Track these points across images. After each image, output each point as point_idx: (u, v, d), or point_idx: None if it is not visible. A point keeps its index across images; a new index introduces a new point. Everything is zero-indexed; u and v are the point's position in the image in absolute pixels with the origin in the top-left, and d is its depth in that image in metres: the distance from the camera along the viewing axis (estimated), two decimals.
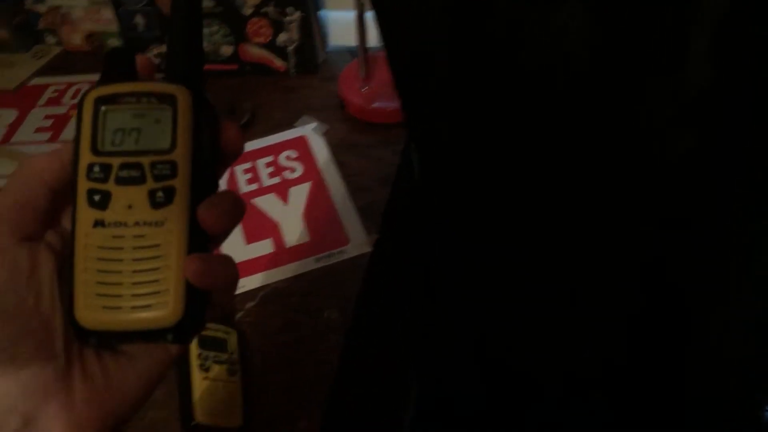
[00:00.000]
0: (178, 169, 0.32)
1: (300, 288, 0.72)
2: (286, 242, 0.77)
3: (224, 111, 0.96)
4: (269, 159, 0.88)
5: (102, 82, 0.33)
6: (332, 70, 1.02)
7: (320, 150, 0.88)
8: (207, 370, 0.61)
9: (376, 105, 0.90)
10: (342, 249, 0.75)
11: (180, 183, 0.32)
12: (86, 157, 0.32)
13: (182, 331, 0.32)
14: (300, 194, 0.82)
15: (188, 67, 0.34)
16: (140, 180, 0.31)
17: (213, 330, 0.65)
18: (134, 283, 0.31)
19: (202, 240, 0.33)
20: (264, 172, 0.86)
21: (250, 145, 0.91)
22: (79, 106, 0.32)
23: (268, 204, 0.82)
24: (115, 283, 0.32)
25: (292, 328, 0.69)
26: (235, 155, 0.36)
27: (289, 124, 0.93)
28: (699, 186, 0.54)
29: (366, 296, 0.70)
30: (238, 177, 0.86)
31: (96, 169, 0.32)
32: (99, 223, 0.32)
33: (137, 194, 0.31)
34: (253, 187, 0.84)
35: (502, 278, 0.72)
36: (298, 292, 0.72)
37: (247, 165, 0.87)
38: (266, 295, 0.72)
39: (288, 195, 0.82)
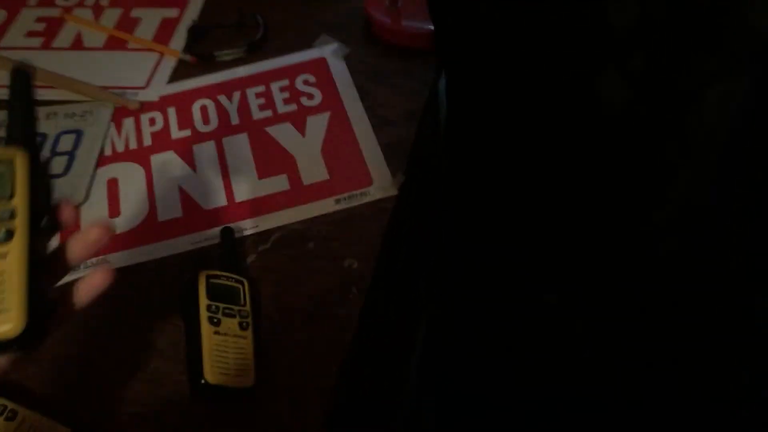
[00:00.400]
0: (17, 212, 0.40)
1: (318, 232, 0.66)
2: (303, 179, 0.70)
3: (232, 24, 0.87)
4: (284, 83, 0.80)
5: None
6: None
7: (341, 76, 0.80)
8: (217, 323, 0.56)
9: (405, 25, 0.81)
10: (364, 190, 0.68)
11: (19, 223, 0.40)
12: None
13: (25, 340, 0.38)
14: (318, 125, 0.75)
15: (25, 134, 0.43)
16: None
17: (224, 278, 0.59)
18: None
19: (39, 267, 0.41)
20: (278, 97, 0.78)
21: (263, 66, 0.82)
22: None
23: (283, 134, 0.74)
24: None
25: (309, 277, 0.63)
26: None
27: (307, 44, 0.84)
28: (705, 186, 0.54)
29: (389, 250, 0.64)
30: (251, 101, 0.78)
31: None
32: None
33: None
34: (267, 113, 0.77)
35: (502, 274, 0.68)
36: (315, 237, 0.66)
37: (260, 88, 0.79)
38: (280, 238, 0.66)
39: (305, 125, 0.75)
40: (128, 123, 0.78)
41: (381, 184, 0.69)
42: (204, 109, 0.78)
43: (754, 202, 0.54)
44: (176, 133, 0.76)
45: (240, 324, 0.56)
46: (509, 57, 0.61)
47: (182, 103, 0.79)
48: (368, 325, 0.60)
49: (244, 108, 0.78)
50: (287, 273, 0.63)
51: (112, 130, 0.77)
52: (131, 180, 0.72)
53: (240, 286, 0.59)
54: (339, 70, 0.80)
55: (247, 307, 0.58)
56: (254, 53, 0.84)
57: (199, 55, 0.84)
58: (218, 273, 0.59)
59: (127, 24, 0.90)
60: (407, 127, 0.74)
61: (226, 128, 0.76)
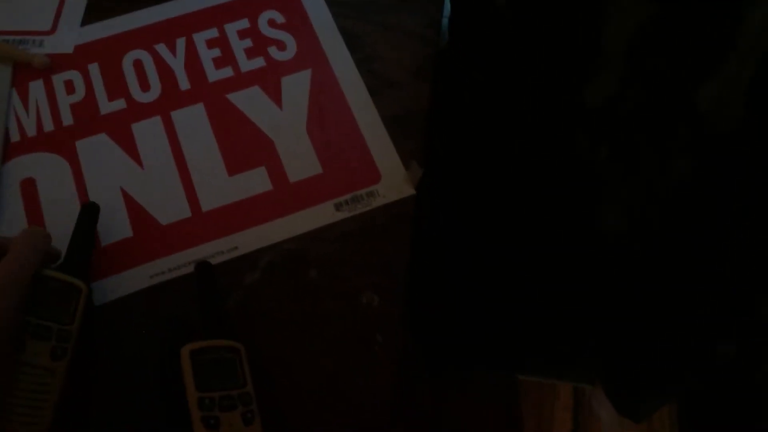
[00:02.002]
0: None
1: (320, 253, 0.51)
2: (288, 174, 0.54)
3: None
4: (243, 24, 0.60)
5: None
6: None
7: (318, 12, 0.61)
8: (215, 425, 0.42)
9: None
10: (371, 189, 0.53)
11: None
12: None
13: None
14: (298, 91, 0.57)
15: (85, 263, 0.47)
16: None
17: (213, 351, 0.44)
18: None
19: None
20: (239, 46, 0.59)
21: None
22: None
23: (252, 105, 0.57)
24: None
25: (318, 321, 0.49)
26: None
27: None
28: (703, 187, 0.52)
29: (417, 278, 0.50)
30: (202, 54, 0.59)
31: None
32: None
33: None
34: (227, 72, 0.58)
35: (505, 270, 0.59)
36: (318, 261, 0.51)
37: (212, 33, 0.60)
38: (272, 263, 0.51)
39: (281, 91, 0.57)
40: (36, 89, 0.57)
41: (392, 180, 0.53)
42: (139, 66, 0.58)
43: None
44: (106, 106, 0.56)
45: (244, 417, 0.43)
46: None
47: (108, 56, 0.59)
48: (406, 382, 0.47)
49: (194, 64, 0.58)
50: (288, 317, 0.49)
51: (15, 100, 0.57)
52: (53, 181, 0.53)
53: (235, 357, 0.44)
54: (314, 5, 0.61)
55: (249, 388, 0.44)
56: None
57: None
58: (204, 345, 0.44)
59: None
60: (417, 87, 0.57)
61: (173, 96, 0.57)
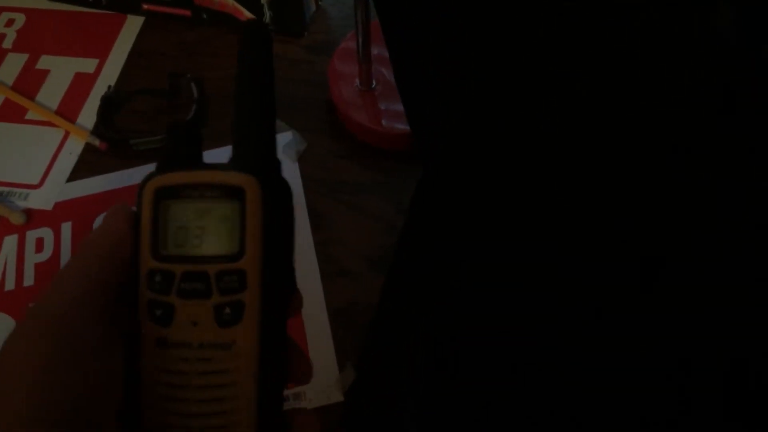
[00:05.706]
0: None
1: None
2: None
3: (160, 92, 0.67)
4: None
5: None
6: (327, 32, 0.70)
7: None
8: (165, 318, 0.25)
9: (386, 125, 0.60)
10: (298, 391, 0.50)
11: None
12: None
13: None
14: None
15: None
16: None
17: (198, 188, 0.26)
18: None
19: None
20: None
21: None
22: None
23: None
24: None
25: None
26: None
27: None
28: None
29: None
30: None
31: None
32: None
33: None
34: None
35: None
36: None
37: None
38: None
39: None
40: (9, 245, 0.59)
41: (322, 382, 0.50)
42: None
43: None
44: None
45: (219, 312, 0.25)
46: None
47: (81, 215, 0.60)
48: None
49: None
50: None
51: None
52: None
53: (237, 205, 0.26)
54: (289, 179, 0.60)
55: (248, 263, 0.26)
56: None
57: (111, 139, 0.64)
58: (182, 181, 0.26)
59: (32, 79, 0.70)
60: (371, 280, 0.54)
61: None
